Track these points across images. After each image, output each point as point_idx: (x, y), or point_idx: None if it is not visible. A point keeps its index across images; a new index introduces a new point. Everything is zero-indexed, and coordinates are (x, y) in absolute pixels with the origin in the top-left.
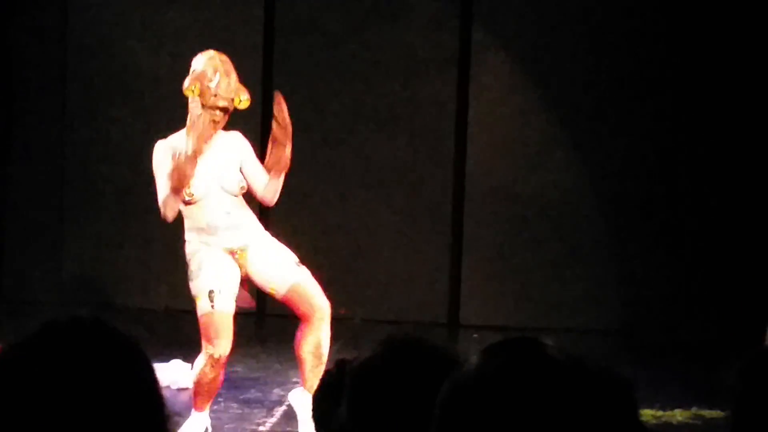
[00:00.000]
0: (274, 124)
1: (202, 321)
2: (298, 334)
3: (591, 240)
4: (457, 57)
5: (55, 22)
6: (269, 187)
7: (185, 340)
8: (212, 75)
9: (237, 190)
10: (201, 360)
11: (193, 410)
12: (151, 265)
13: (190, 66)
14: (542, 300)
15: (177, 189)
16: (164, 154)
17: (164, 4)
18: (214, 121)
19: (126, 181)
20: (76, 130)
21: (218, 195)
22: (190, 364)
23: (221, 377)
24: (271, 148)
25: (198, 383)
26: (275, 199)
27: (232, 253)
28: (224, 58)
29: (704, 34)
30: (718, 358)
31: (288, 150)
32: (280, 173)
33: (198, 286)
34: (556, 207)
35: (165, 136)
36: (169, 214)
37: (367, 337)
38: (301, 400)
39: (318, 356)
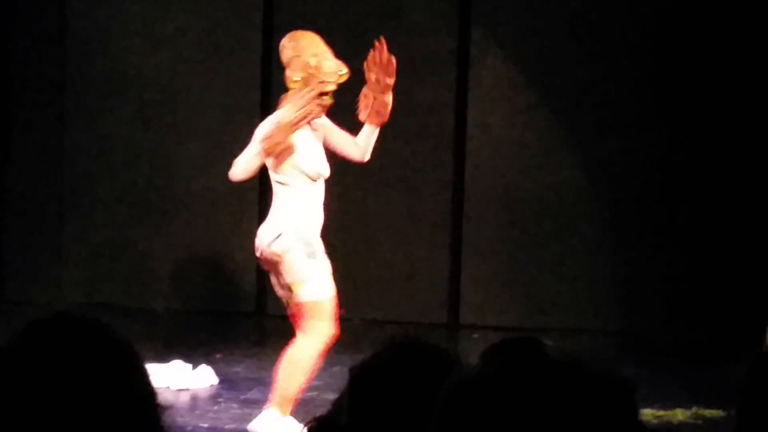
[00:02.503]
0: (372, 74)
1: (323, 306)
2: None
3: (591, 240)
4: (456, 57)
5: (54, 23)
6: (366, 141)
7: (185, 340)
8: (314, 61)
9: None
10: (314, 349)
11: (278, 414)
12: (151, 266)
13: (190, 64)
14: (542, 300)
15: (267, 153)
16: (269, 123)
17: (163, 4)
18: (323, 106)
19: (126, 183)
20: (76, 132)
21: (321, 182)
22: (190, 365)
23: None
24: (367, 101)
25: (301, 372)
26: (369, 155)
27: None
28: (316, 38)
29: (705, 33)
30: (719, 358)
31: (390, 98)
32: (381, 123)
33: (318, 269)
34: (556, 207)
35: (165, 138)
36: (242, 176)
37: (366, 338)
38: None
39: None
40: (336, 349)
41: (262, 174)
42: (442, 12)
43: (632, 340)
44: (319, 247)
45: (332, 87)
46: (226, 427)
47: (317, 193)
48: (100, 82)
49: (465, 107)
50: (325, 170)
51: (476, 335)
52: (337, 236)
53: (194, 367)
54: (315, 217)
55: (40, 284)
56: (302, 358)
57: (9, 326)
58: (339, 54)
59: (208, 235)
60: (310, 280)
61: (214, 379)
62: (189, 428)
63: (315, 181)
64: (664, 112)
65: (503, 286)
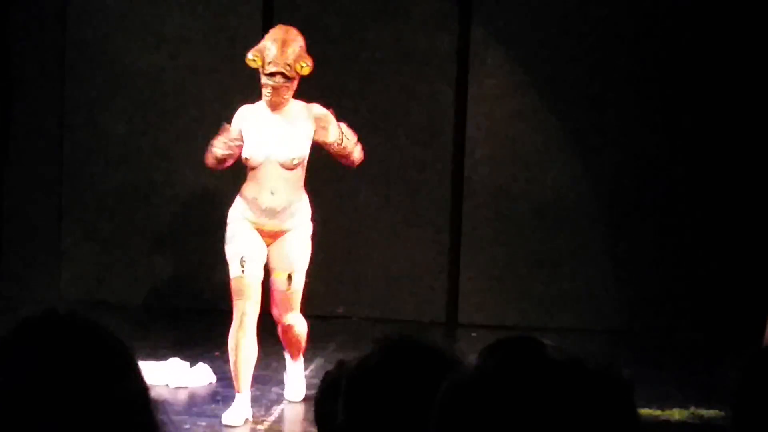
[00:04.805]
0: None
1: (233, 284)
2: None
3: (589, 239)
4: (456, 56)
5: (53, 19)
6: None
7: (184, 338)
8: (270, 45)
9: (288, 162)
10: (232, 327)
11: (236, 394)
12: (150, 264)
13: (189, 63)
14: (541, 299)
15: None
16: (236, 117)
17: (163, 1)
18: (274, 87)
19: (125, 180)
20: (75, 129)
21: (271, 165)
22: (188, 363)
23: (252, 347)
24: None
25: (231, 352)
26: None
27: (265, 233)
28: (287, 28)
29: (705, 32)
30: (717, 357)
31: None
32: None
33: (231, 251)
34: (555, 206)
35: (165, 136)
36: (209, 161)
37: (364, 336)
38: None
39: (297, 343)
40: (335, 348)
41: None
42: (443, 10)
43: (630, 339)
44: (241, 229)
45: (273, 69)
46: (224, 424)
47: (255, 180)
48: (99, 80)
49: (465, 105)
50: (256, 155)
51: (475, 334)
52: (335, 233)
53: (192, 365)
54: (252, 201)
55: (38, 281)
56: (230, 348)
57: (5, 324)
58: (339, 51)
59: (207, 232)
60: (229, 261)
61: (212, 377)
62: (187, 426)
63: (254, 166)
64: (663, 110)
65: (502, 285)
